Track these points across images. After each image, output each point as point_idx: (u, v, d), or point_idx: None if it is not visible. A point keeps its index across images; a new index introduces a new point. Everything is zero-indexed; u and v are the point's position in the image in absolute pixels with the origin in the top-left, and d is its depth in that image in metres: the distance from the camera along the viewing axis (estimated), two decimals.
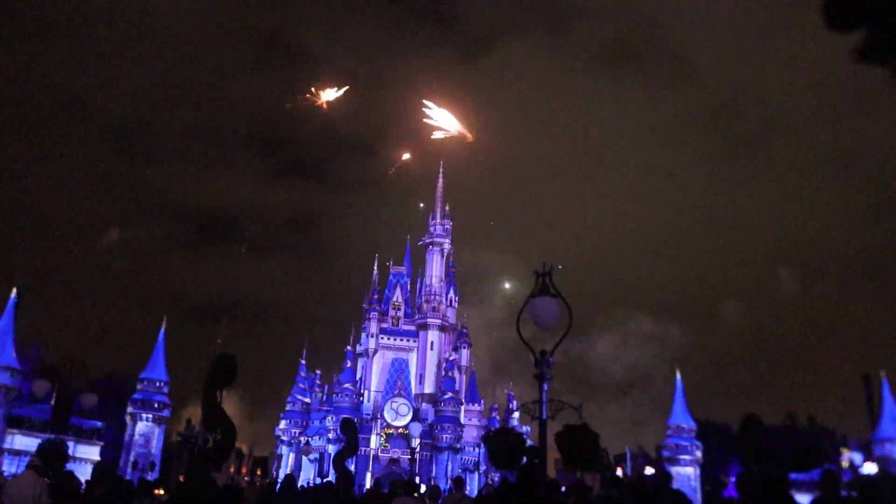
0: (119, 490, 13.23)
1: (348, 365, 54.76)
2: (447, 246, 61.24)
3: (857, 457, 43.98)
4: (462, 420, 53.63)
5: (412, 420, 50.22)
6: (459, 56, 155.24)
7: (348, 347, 56.84)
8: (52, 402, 41.23)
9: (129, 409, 45.90)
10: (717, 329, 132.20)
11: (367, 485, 43.21)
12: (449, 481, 44.07)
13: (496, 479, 40.24)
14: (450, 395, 53.04)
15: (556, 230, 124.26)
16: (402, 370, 57.18)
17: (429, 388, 56.24)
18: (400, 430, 51.83)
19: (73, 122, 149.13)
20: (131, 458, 43.21)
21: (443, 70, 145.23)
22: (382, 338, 58.27)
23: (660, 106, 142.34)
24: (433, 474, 49.74)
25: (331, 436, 50.93)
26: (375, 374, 57.12)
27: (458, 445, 52.36)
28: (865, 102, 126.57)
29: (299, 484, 35.02)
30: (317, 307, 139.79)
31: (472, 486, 47.29)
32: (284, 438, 56.85)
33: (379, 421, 52.81)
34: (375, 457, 51.36)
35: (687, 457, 49.39)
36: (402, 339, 58.58)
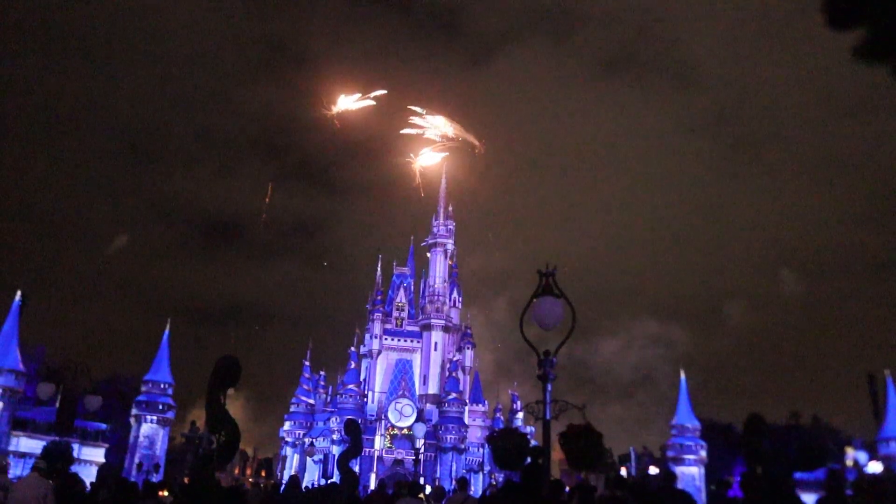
0: (124, 492, 13.25)
1: (352, 366, 54.76)
2: (450, 246, 61.21)
3: (861, 456, 43.87)
4: (466, 421, 53.61)
5: (416, 421, 50.18)
6: (464, 63, 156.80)
7: (352, 349, 56.81)
8: (57, 405, 41.28)
9: (134, 411, 45.99)
10: (721, 330, 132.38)
11: (372, 486, 43.21)
12: (453, 482, 44.04)
13: (500, 479, 40.23)
14: (454, 395, 53.03)
15: (560, 233, 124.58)
16: (406, 371, 57.18)
17: (433, 388, 56.23)
18: (404, 431, 51.82)
19: (83, 127, 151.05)
20: (136, 460, 43.30)
21: (448, 76, 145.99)
22: (386, 339, 58.29)
23: (663, 111, 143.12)
24: (437, 475, 49.72)
25: (335, 437, 50.96)
26: (379, 375, 57.13)
27: (463, 446, 52.34)
28: (865, 106, 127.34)
29: (304, 485, 35.04)
30: (321, 309, 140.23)
31: (477, 487, 47.28)
32: (289, 440, 56.88)
33: (383, 422, 52.81)
34: (380, 458, 51.35)
35: (691, 456, 49.33)
36: (405, 340, 58.58)
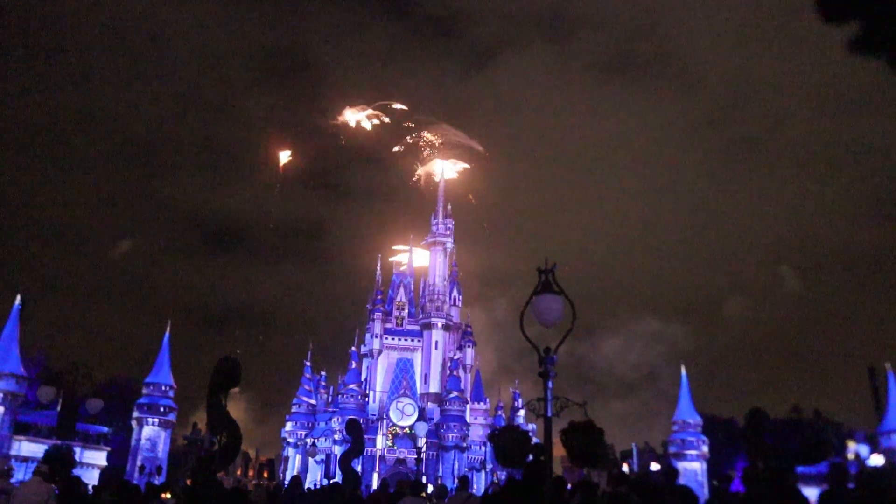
0: (126, 495, 13.26)
1: (353, 366, 54.76)
2: (450, 245, 61.23)
3: (863, 449, 43.93)
4: (468, 419, 53.62)
5: (418, 420, 50.19)
6: (464, 67, 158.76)
7: (353, 348, 56.81)
8: (58, 408, 41.29)
9: (135, 414, 45.99)
10: (722, 327, 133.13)
11: (374, 485, 43.23)
12: (455, 480, 44.07)
13: (502, 477, 40.25)
14: (455, 394, 53.03)
15: (561, 233, 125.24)
16: (406, 370, 57.18)
17: (434, 387, 56.23)
18: (406, 430, 51.82)
19: (86, 134, 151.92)
20: (138, 463, 43.28)
21: (448, 81, 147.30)
22: (387, 338, 58.28)
23: (662, 111, 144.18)
24: (440, 473, 49.75)
25: (337, 437, 50.95)
26: (380, 375, 57.13)
27: (465, 444, 52.36)
28: (864, 102, 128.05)
29: (306, 485, 35.06)
30: (322, 311, 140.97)
31: (479, 485, 47.31)
32: (290, 440, 56.88)
33: (384, 421, 52.81)
34: (381, 457, 51.36)
35: (693, 452, 49.39)
36: (406, 339, 58.58)
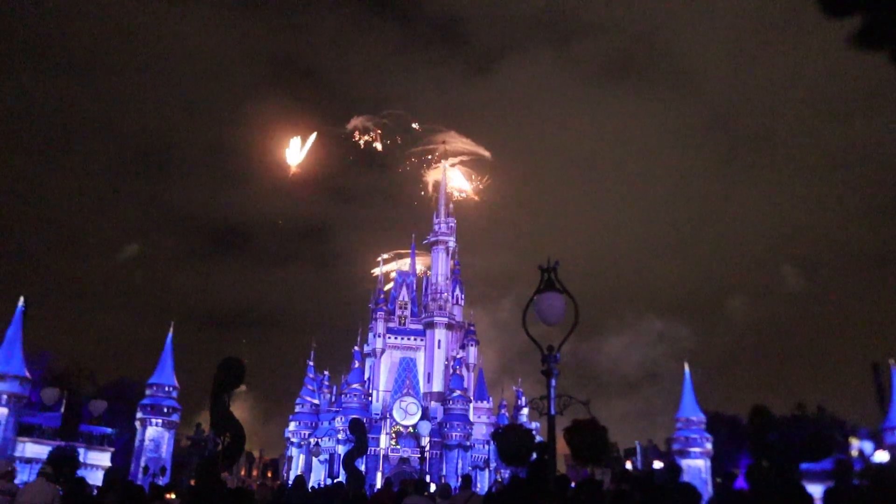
0: (131, 495, 13.26)
1: (356, 365, 54.79)
2: (452, 244, 61.22)
3: (867, 445, 43.84)
4: (471, 418, 53.61)
5: (421, 419, 50.22)
6: (466, 72, 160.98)
7: (356, 348, 56.85)
8: (62, 410, 41.37)
9: (139, 415, 46.01)
10: (725, 325, 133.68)
11: (378, 484, 43.24)
12: (459, 479, 44.05)
13: (506, 475, 40.24)
14: (458, 392, 53.03)
15: (564, 235, 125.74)
16: (409, 369, 57.18)
17: (437, 386, 56.23)
18: (409, 430, 51.83)
19: (94, 138, 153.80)
20: (142, 464, 43.32)
21: (450, 85, 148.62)
22: (389, 337, 58.27)
23: (663, 113, 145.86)
24: (443, 472, 49.74)
25: (340, 436, 50.95)
26: (383, 374, 57.14)
27: (468, 443, 52.35)
28: (862, 103, 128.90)
29: (310, 485, 35.05)
30: (325, 311, 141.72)
31: (483, 484, 47.30)
32: (294, 440, 56.90)
33: (388, 420, 52.83)
34: (385, 456, 51.38)
35: (697, 449, 49.33)
36: (409, 339, 58.58)
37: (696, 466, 47.76)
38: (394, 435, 52.51)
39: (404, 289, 60.77)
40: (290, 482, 29.02)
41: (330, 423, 54.58)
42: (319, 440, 53.87)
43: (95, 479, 36.40)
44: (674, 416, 52.15)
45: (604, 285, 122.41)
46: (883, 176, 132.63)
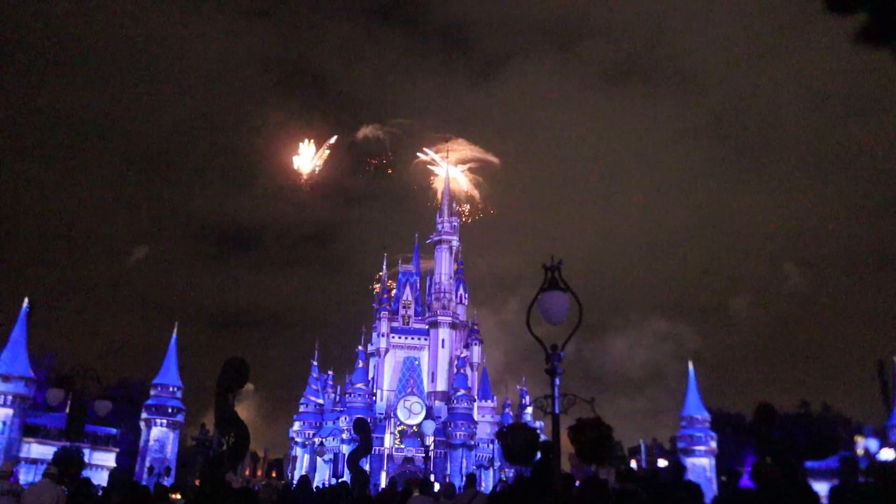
0: (135, 496, 13.29)
1: (360, 365, 54.79)
2: (455, 243, 61.21)
3: (872, 443, 43.71)
4: (475, 417, 53.60)
5: (425, 418, 50.23)
6: (473, 76, 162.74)
7: (360, 347, 56.84)
8: (67, 410, 41.36)
9: (144, 415, 46.10)
10: (729, 325, 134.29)
11: (382, 484, 43.26)
12: (464, 478, 44.04)
13: (510, 475, 40.24)
14: (462, 392, 53.02)
15: (569, 236, 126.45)
16: (413, 368, 57.19)
17: (441, 385, 56.24)
18: (413, 429, 51.85)
19: (102, 142, 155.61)
20: (147, 464, 43.40)
21: (457, 89, 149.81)
22: (393, 337, 58.27)
23: (667, 116, 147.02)
24: (448, 472, 49.74)
25: (344, 436, 50.99)
26: (387, 374, 57.15)
27: (472, 442, 52.34)
28: (863, 105, 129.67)
29: (314, 485, 35.07)
30: (329, 311, 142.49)
31: (487, 483, 47.29)
32: (298, 440, 56.96)
33: (392, 420, 52.84)
34: (390, 456, 51.40)
35: (701, 447, 49.25)
36: (413, 338, 58.59)
37: (701, 465, 47.69)
38: (398, 434, 52.53)
39: (408, 288, 60.77)
40: (295, 482, 29.06)
41: (334, 423, 54.63)
42: (324, 440, 53.92)
43: (100, 479, 36.49)
44: (678, 415, 52.09)
45: (609, 286, 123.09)
46: (884, 175, 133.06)
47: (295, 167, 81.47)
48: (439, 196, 66.28)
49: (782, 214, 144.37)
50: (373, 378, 56.46)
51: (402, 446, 52.10)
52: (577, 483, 11.49)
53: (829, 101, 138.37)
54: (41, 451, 40.22)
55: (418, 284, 61.63)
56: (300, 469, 53.73)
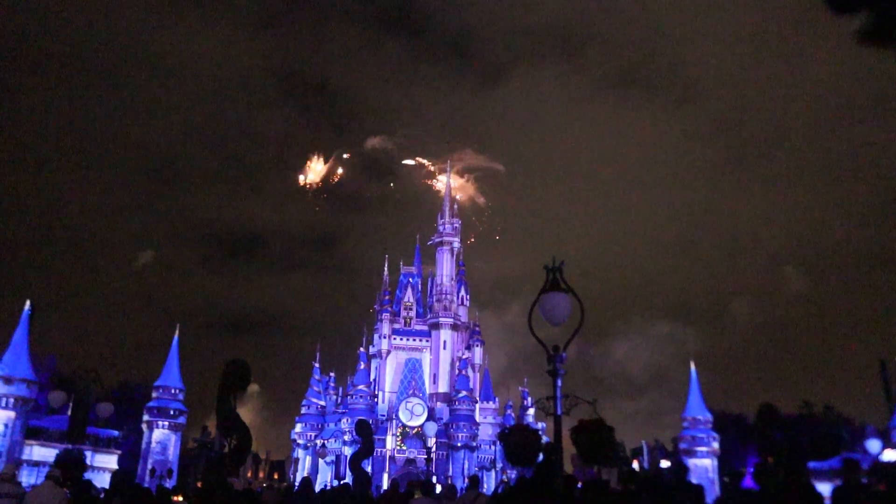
0: (138, 498, 13.29)
1: (362, 367, 54.75)
2: (456, 245, 61.20)
3: (874, 444, 43.58)
4: (477, 418, 53.57)
5: (427, 419, 50.19)
6: (476, 83, 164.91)
7: (361, 349, 56.82)
8: (69, 413, 41.35)
9: (146, 417, 46.07)
10: (730, 327, 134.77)
11: (384, 486, 43.23)
12: (466, 480, 43.99)
13: (512, 476, 40.19)
14: (464, 393, 52.97)
15: (573, 240, 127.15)
16: (415, 370, 57.17)
17: (443, 387, 56.20)
18: (415, 430, 51.82)
19: (112, 151, 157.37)
20: (149, 466, 43.37)
21: (461, 96, 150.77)
22: (395, 338, 58.26)
23: (669, 122, 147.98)
24: (450, 473, 49.72)
25: (346, 438, 50.98)
26: (389, 375, 57.13)
27: (474, 444, 52.30)
28: (864, 110, 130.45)
29: (316, 487, 35.05)
30: (331, 313, 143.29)
31: (489, 484, 47.27)
32: (300, 442, 56.94)
33: (394, 421, 52.81)
34: (392, 457, 51.37)
35: (704, 448, 49.15)
36: (414, 339, 58.56)
37: (703, 466, 47.60)
38: (400, 436, 52.50)
39: (409, 290, 60.77)
40: (297, 484, 29.04)
41: (336, 425, 54.61)
42: (326, 442, 53.89)
43: (102, 481, 36.48)
44: (680, 416, 52.01)
45: (612, 290, 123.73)
46: (883, 179, 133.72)
47: (302, 182, 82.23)
48: (441, 198, 66.35)
49: (783, 218, 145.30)
50: (374, 380, 56.44)
51: (404, 448, 52.07)
52: (580, 484, 11.48)
53: (828, 107, 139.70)
54: (43, 453, 40.20)
55: (420, 286, 61.64)
56: (302, 471, 53.73)
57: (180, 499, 16.98)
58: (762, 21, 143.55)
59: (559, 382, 7.94)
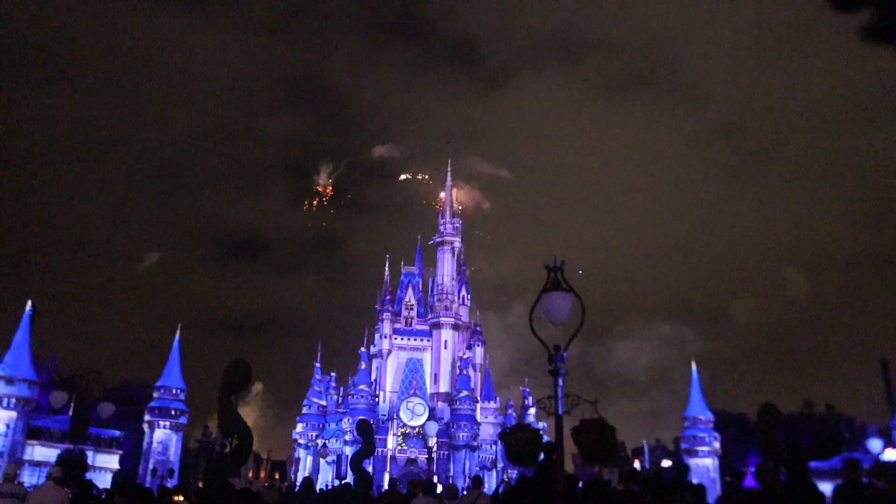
0: (139, 498, 13.29)
1: (363, 366, 54.77)
2: (457, 244, 61.20)
3: (876, 443, 43.55)
4: (478, 418, 53.57)
5: (428, 419, 50.18)
6: (481, 89, 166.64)
7: (362, 349, 56.84)
8: (70, 413, 41.36)
9: (147, 417, 46.10)
10: (731, 328, 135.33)
11: (385, 485, 43.23)
12: (467, 479, 44.01)
13: (513, 476, 40.18)
14: (465, 393, 52.97)
15: (574, 243, 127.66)
16: (416, 370, 57.19)
17: (444, 386, 56.21)
18: (416, 430, 51.83)
19: (117, 153, 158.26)
20: (150, 466, 43.38)
21: (465, 102, 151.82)
22: (396, 338, 58.28)
23: (671, 124, 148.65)
24: (451, 473, 49.73)
25: (347, 437, 50.98)
26: (390, 375, 57.15)
27: (475, 443, 52.30)
28: (863, 114, 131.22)
29: (318, 486, 35.05)
30: (332, 313, 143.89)
31: (490, 484, 47.25)
32: (302, 441, 56.96)
33: (395, 421, 52.82)
34: (393, 457, 51.38)
35: (705, 448, 49.13)
36: (415, 339, 58.58)
37: (705, 465, 47.59)
38: (401, 436, 52.51)
39: (410, 289, 60.78)
40: (298, 484, 29.03)
41: (337, 425, 54.62)
42: (327, 441, 53.91)
43: (104, 481, 36.49)
44: (681, 416, 51.97)
45: (612, 290, 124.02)
46: (884, 181, 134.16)
47: (313, 187, 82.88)
48: (442, 198, 66.41)
49: (783, 220, 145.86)
50: (375, 380, 56.45)
51: (405, 448, 52.07)
52: (581, 484, 11.47)
53: (829, 109, 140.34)
54: (44, 453, 40.25)
55: (421, 286, 61.64)
56: (303, 471, 53.75)
57: (181, 499, 16.98)
58: (763, 27, 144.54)
59: (560, 382, 7.94)
